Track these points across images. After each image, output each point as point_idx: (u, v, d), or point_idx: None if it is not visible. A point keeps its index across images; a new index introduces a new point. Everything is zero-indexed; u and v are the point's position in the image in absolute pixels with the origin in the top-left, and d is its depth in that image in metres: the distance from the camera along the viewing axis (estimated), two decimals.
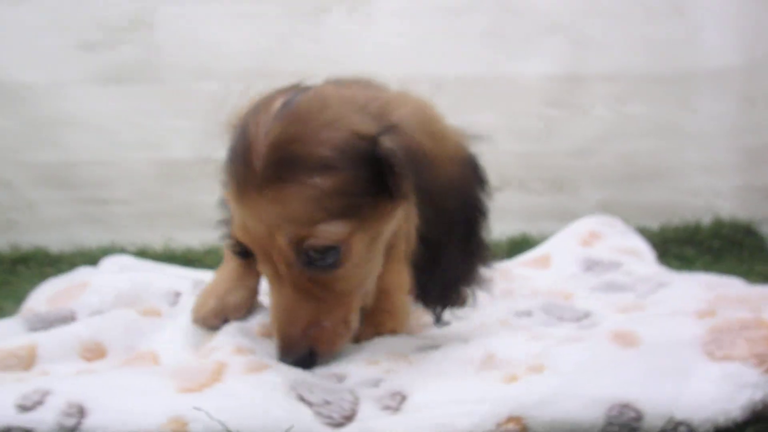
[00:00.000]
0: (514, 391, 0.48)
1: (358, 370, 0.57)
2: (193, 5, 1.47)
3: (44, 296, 0.82)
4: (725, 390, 0.46)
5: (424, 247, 0.54)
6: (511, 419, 0.46)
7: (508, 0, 1.50)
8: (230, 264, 0.73)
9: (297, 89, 0.59)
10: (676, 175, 1.56)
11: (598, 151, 1.54)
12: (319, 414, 0.48)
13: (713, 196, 1.56)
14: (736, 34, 1.48)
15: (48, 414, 0.49)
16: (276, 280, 0.57)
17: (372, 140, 0.52)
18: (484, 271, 0.60)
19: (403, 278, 0.63)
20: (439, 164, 0.54)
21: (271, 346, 0.62)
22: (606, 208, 1.54)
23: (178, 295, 0.83)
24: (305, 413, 0.48)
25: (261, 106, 0.57)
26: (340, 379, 0.57)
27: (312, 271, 0.54)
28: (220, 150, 1.46)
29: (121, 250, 1.42)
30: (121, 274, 0.84)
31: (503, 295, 0.92)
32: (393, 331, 0.66)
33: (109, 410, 0.49)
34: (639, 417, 0.46)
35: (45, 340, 0.64)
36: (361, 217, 0.54)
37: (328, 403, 0.49)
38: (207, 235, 1.49)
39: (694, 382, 0.48)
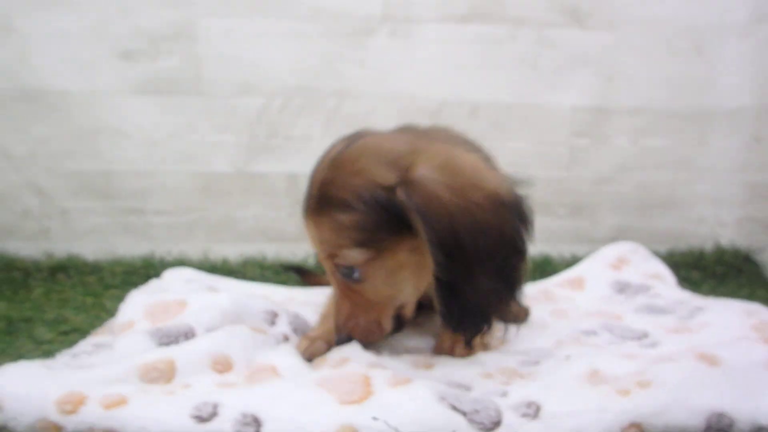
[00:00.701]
0: (632, 403, 0.58)
1: (479, 383, 0.66)
2: (237, 19, 1.49)
3: (140, 313, 0.83)
4: None
5: (441, 286, 0.63)
6: (632, 425, 0.57)
7: (543, 32, 1.57)
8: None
9: (356, 137, 0.71)
10: (685, 204, 1.68)
11: (616, 179, 1.64)
12: (472, 421, 0.56)
13: (717, 226, 1.69)
14: (750, 77, 1.60)
15: (226, 424, 0.55)
16: (334, 284, 0.74)
17: (390, 189, 0.63)
18: (516, 306, 0.68)
19: None
20: (461, 213, 0.61)
21: (395, 362, 0.71)
22: (620, 232, 1.65)
23: (275, 315, 0.88)
24: (460, 421, 0.56)
25: (329, 150, 0.72)
26: (467, 389, 0.64)
27: (348, 281, 0.70)
28: (258, 165, 1.51)
29: (161, 261, 1.44)
30: (219, 294, 0.87)
31: (558, 315, 1.01)
32: (485, 346, 0.78)
33: (282, 420, 0.55)
34: (731, 423, 0.58)
35: (179, 353, 0.68)
36: (381, 248, 0.65)
37: (477, 411, 0.57)
38: (244, 248, 1.53)
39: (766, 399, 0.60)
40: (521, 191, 0.67)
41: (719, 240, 1.66)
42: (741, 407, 0.58)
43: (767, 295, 1.36)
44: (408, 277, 0.69)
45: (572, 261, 1.50)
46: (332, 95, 1.54)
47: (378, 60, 1.54)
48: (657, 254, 1.54)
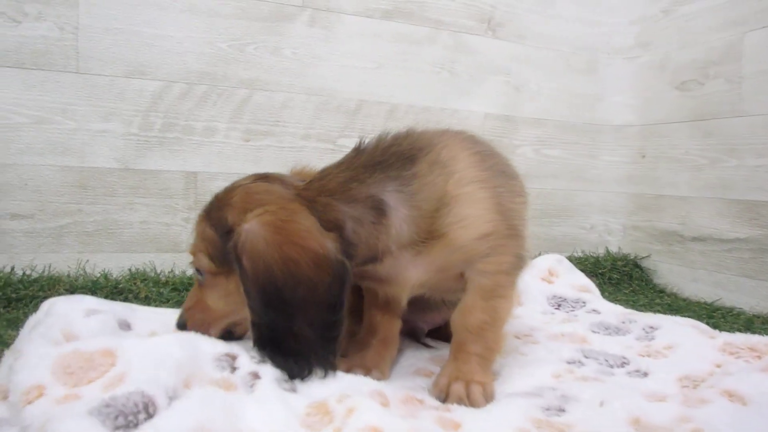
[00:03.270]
0: None
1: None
2: None
3: (47, 371, 0.62)
4: None
5: (259, 328, 0.67)
6: None
7: (460, 37, 1.55)
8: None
9: (265, 177, 0.76)
10: (579, 213, 1.77)
11: None
12: None
13: (606, 233, 1.81)
14: (634, 97, 1.73)
15: None
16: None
17: (228, 228, 0.70)
18: (333, 353, 0.68)
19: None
20: (280, 267, 0.64)
21: (417, 421, 0.60)
22: None
23: (234, 358, 0.70)
24: None
25: (244, 178, 0.78)
26: None
27: (198, 280, 0.77)
28: (150, 160, 1.28)
29: (23, 278, 1.15)
30: (160, 338, 0.67)
31: (526, 340, 0.96)
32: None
33: None
34: None
35: None
36: (223, 270, 0.72)
37: None
38: (129, 260, 1.28)
39: None
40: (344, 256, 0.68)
41: (608, 246, 1.78)
42: None
43: (664, 302, 1.46)
44: (239, 303, 0.70)
45: None
46: (242, 85, 1.35)
47: (295, 49, 1.40)
48: None
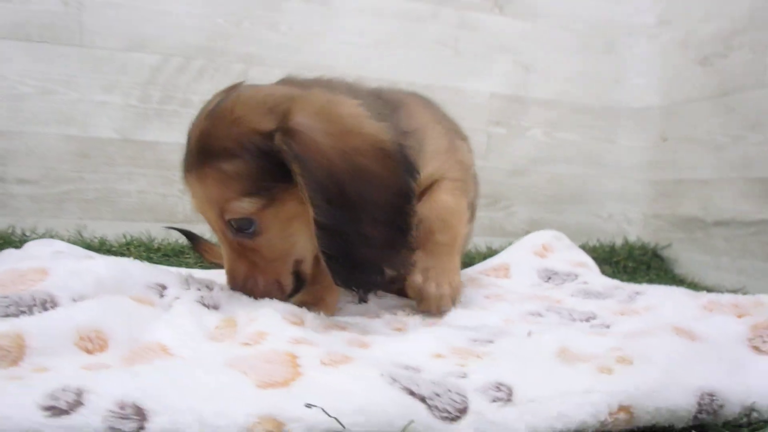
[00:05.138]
0: (620, 382, 0.49)
1: (429, 363, 0.55)
2: None
3: None
4: None
5: (326, 233, 0.60)
6: (621, 408, 0.47)
7: (465, 14, 1.52)
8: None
9: (232, 89, 0.69)
10: (594, 200, 1.69)
11: (531, 171, 1.61)
12: (434, 407, 0.44)
13: (625, 222, 1.71)
14: (657, 78, 1.65)
15: (94, 417, 0.39)
16: (223, 243, 0.69)
17: (269, 136, 0.61)
18: (409, 253, 0.64)
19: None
20: (341, 158, 0.60)
21: (327, 337, 0.58)
22: (533, 225, 1.62)
23: (164, 287, 0.70)
24: (419, 408, 0.44)
25: (206, 104, 0.69)
26: (417, 371, 0.52)
27: (240, 237, 0.66)
28: (149, 132, 1.31)
29: (22, 238, 1.20)
30: (94, 260, 0.69)
31: (494, 298, 0.92)
32: (327, 307, 0.73)
33: (177, 410, 0.40)
34: (722, 404, 0.50)
35: (31, 326, 0.51)
36: (272, 198, 0.63)
37: (438, 395, 0.45)
38: (126, 227, 1.32)
39: (751, 373, 0.53)
40: (406, 141, 0.67)
41: (627, 236, 1.69)
42: (731, 386, 0.51)
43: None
44: (301, 228, 0.66)
45: (489, 253, 1.44)
46: (239, 60, 1.38)
47: (293, 25, 1.41)
48: None
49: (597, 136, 1.68)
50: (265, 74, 1.39)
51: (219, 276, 0.94)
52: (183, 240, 1.32)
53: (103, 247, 1.23)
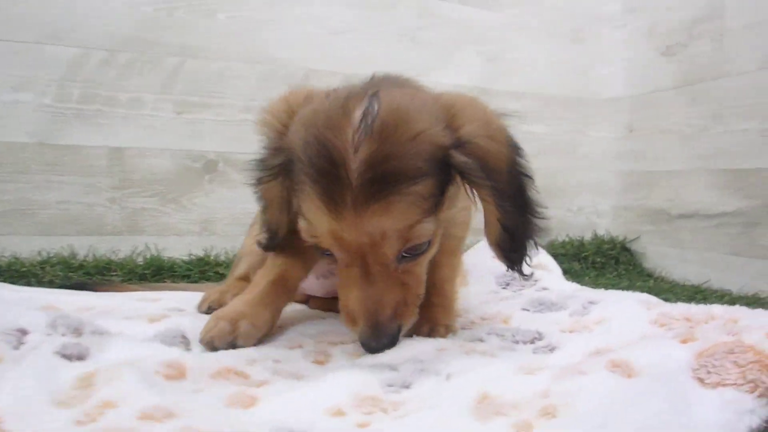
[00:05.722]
0: None
1: (323, 424, 0.48)
2: None
3: None
4: (727, 417, 0.46)
5: (508, 232, 0.63)
6: None
7: (425, 3, 1.42)
8: (261, 284, 0.72)
9: (363, 92, 0.60)
10: (565, 193, 1.61)
11: None
12: None
13: (595, 215, 1.64)
14: (623, 68, 1.57)
15: None
16: (365, 278, 0.61)
17: (446, 150, 0.60)
18: (540, 223, 0.67)
19: (453, 271, 0.80)
20: (501, 160, 0.63)
21: (199, 399, 0.50)
22: None
23: (24, 333, 0.60)
24: None
25: (334, 117, 0.58)
26: None
27: (404, 263, 0.62)
28: (70, 135, 1.18)
29: None
30: None
31: None
32: (447, 327, 0.74)
33: None
34: None
35: None
36: (437, 211, 0.61)
37: None
38: (45, 242, 1.18)
39: (697, 410, 0.46)
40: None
41: (596, 229, 1.62)
42: (672, 428, 0.44)
43: (646, 285, 1.30)
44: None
45: None
46: (172, 52, 1.25)
47: (233, 12, 1.28)
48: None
49: (566, 127, 1.59)
50: (202, 67, 1.27)
51: (134, 300, 0.83)
52: (111, 254, 1.20)
53: (11, 268, 1.10)
